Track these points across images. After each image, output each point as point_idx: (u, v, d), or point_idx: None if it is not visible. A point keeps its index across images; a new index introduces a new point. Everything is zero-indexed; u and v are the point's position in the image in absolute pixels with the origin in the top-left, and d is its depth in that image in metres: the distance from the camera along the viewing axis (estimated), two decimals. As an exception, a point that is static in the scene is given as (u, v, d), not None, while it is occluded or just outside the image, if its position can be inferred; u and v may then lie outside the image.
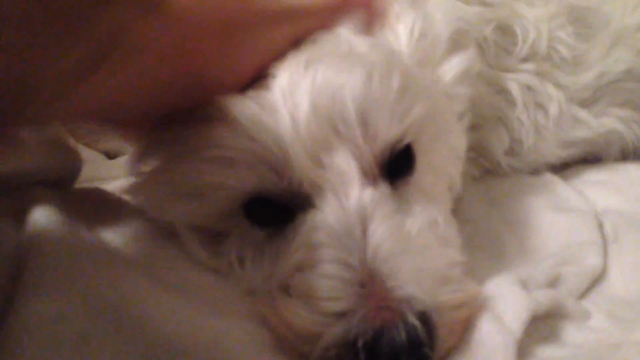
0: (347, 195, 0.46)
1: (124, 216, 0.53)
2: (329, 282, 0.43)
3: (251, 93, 0.47)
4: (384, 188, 0.48)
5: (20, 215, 0.46)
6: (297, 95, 0.45)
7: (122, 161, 0.79)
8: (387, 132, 0.47)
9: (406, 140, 0.49)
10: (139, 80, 0.40)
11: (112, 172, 0.78)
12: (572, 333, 0.51)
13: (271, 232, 0.49)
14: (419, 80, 0.50)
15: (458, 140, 0.59)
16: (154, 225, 0.53)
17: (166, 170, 0.51)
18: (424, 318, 0.42)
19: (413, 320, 0.41)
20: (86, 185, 0.60)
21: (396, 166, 0.50)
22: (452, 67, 0.57)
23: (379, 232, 0.45)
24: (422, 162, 0.52)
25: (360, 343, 0.41)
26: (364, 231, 0.45)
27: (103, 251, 0.47)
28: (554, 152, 0.80)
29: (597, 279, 0.61)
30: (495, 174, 0.77)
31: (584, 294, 0.59)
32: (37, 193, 0.48)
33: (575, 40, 0.76)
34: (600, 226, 0.69)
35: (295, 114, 0.45)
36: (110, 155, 0.91)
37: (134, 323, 0.41)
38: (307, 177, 0.46)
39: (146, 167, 0.54)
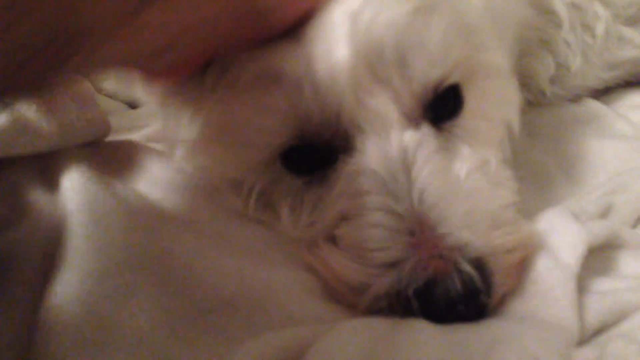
0: (388, 138, 0.44)
1: (158, 168, 0.52)
2: (376, 231, 0.42)
3: (295, 32, 0.43)
4: (426, 129, 0.46)
5: (52, 179, 0.45)
6: (336, 34, 0.42)
7: (146, 111, 0.78)
8: (428, 73, 0.44)
9: (451, 80, 0.46)
10: (189, 14, 0.37)
11: (135, 122, 0.76)
12: (630, 263, 0.49)
13: (309, 180, 0.48)
14: (468, 13, 0.47)
15: (510, 87, 0.55)
16: (189, 177, 0.51)
17: (206, 117, 0.49)
18: (479, 264, 0.40)
19: (467, 268, 0.40)
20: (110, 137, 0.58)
21: (442, 108, 0.47)
22: None
23: (424, 175, 0.43)
24: (472, 104, 0.49)
25: (411, 292, 0.39)
26: (408, 175, 0.43)
27: (141, 205, 0.45)
28: (599, 75, 0.76)
29: (651, 206, 0.58)
30: (536, 105, 0.73)
31: (638, 221, 0.56)
32: (67, 153, 0.47)
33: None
34: (649, 151, 0.66)
35: (334, 55, 0.42)
36: (133, 105, 0.90)
37: (179, 276, 0.41)
38: (348, 114, 0.43)
39: (180, 117, 0.52)
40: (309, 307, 0.42)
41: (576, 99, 0.77)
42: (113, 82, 0.79)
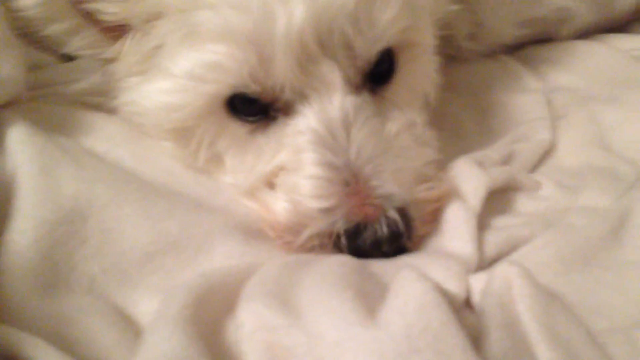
0: (331, 101, 0.49)
1: (102, 122, 0.55)
2: (315, 182, 0.48)
3: None
4: (366, 95, 0.52)
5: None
6: (295, 4, 0.46)
7: (81, 64, 0.79)
8: (371, 49, 0.50)
9: (388, 45, 0.52)
10: None
11: (69, 75, 0.77)
12: (525, 203, 0.57)
13: (253, 129, 0.53)
14: None
15: (433, 63, 0.61)
16: (133, 130, 0.55)
17: (153, 57, 0.53)
18: (403, 212, 0.47)
19: (393, 214, 0.47)
20: (47, 89, 0.60)
21: (378, 72, 0.53)
22: None
23: (361, 135, 0.49)
24: (402, 73, 0.55)
25: (342, 232, 0.45)
26: (348, 135, 0.49)
27: (86, 158, 0.49)
28: (511, 32, 0.83)
29: (547, 153, 0.66)
30: (455, 60, 0.79)
31: (535, 167, 0.64)
32: (8, 112, 0.49)
33: None
34: (549, 103, 0.74)
35: (290, 18, 0.46)
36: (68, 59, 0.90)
37: (123, 227, 0.45)
38: (291, 83, 0.49)
39: (126, 64, 0.55)
40: (246, 247, 0.47)
41: (492, 54, 0.84)
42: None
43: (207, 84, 0.50)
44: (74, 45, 0.59)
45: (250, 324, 0.37)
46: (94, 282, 0.43)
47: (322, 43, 0.48)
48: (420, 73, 0.59)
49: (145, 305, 0.43)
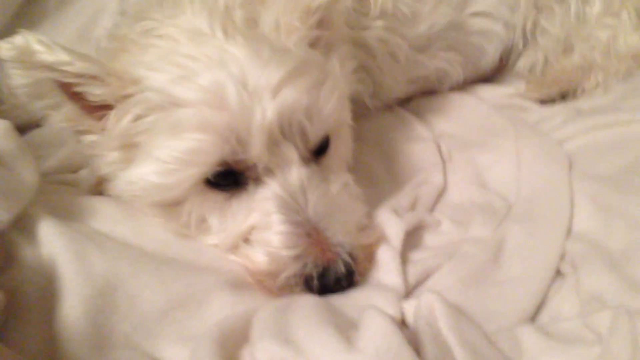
0: (290, 173, 0.66)
1: (101, 206, 0.67)
2: (284, 236, 0.64)
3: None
4: (313, 166, 0.69)
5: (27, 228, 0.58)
6: (267, 102, 0.62)
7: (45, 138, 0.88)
8: (318, 133, 0.68)
9: (329, 129, 0.70)
10: None
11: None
12: (431, 238, 0.76)
13: (228, 196, 0.67)
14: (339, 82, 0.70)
15: (350, 136, 0.79)
16: (127, 208, 0.68)
17: (135, 136, 0.65)
18: (352, 256, 0.64)
19: (347, 257, 0.64)
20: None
21: (319, 148, 0.70)
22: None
23: (315, 197, 0.66)
24: (333, 145, 0.73)
25: (314, 274, 0.62)
26: (305, 197, 0.66)
27: (100, 239, 0.62)
28: (403, 89, 1.04)
29: (441, 193, 0.86)
30: (363, 116, 0.97)
31: (434, 205, 0.84)
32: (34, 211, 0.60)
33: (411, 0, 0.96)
34: (439, 148, 0.94)
35: (264, 114, 0.62)
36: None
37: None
38: (260, 160, 0.64)
39: (106, 138, 0.67)
40: (235, 297, 0.62)
41: (390, 107, 1.04)
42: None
43: (193, 167, 0.64)
44: (55, 118, 0.67)
45: (264, 358, 0.52)
46: (128, 338, 0.56)
47: (284, 131, 0.65)
48: (345, 144, 0.77)
49: (169, 352, 0.57)
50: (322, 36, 0.72)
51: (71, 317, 0.54)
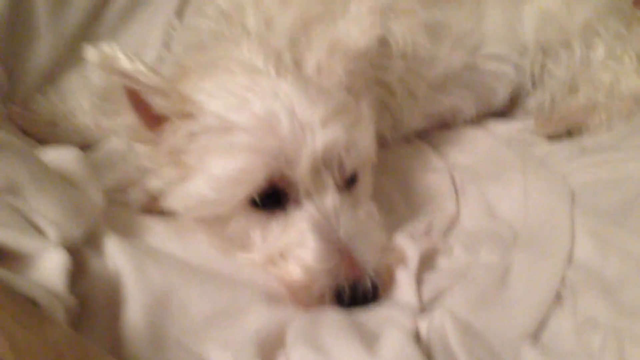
0: (326, 198, 0.75)
1: (148, 222, 0.77)
2: (317, 251, 0.73)
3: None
4: (345, 194, 0.78)
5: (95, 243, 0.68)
6: (316, 133, 0.72)
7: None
8: (352, 167, 0.78)
9: (361, 163, 0.80)
10: None
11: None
12: (443, 262, 0.84)
13: (269, 216, 0.76)
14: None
15: (371, 169, 0.88)
16: (172, 226, 0.77)
17: (186, 153, 0.74)
18: (377, 273, 0.73)
19: (372, 275, 0.72)
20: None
21: (350, 179, 0.79)
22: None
23: (345, 220, 0.75)
24: (361, 177, 0.82)
25: (346, 287, 0.71)
26: (337, 220, 0.75)
27: (155, 254, 0.71)
28: (420, 123, 1.13)
29: (454, 220, 0.94)
30: (383, 147, 1.07)
31: (447, 232, 0.92)
32: (101, 229, 0.70)
33: (430, 43, 1.06)
34: (452, 178, 1.03)
35: (313, 143, 0.72)
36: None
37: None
38: (304, 182, 0.74)
39: (160, 152, 0.76)
40: (271, 309, 0.71)
41: (408, 139, 1.13)
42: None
43: (244, 184, 0.73)
44: (116, 123, 0.77)
45: (298, 360, 0.61)
46: (179, 341, 0.65)
47: (325, 161, 0.74)
48: (369, 177, 0.86)
49: (215, 354, 0.65)
50: (355, 82, 0.81)
51: (133, 321, 0.63)
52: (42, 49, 1.11)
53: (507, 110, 1.24)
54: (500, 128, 1.18)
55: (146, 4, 1.24)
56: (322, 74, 0.79)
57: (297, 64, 0.80)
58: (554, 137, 1.13)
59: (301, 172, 0.72)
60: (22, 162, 0.63)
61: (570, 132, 1.13)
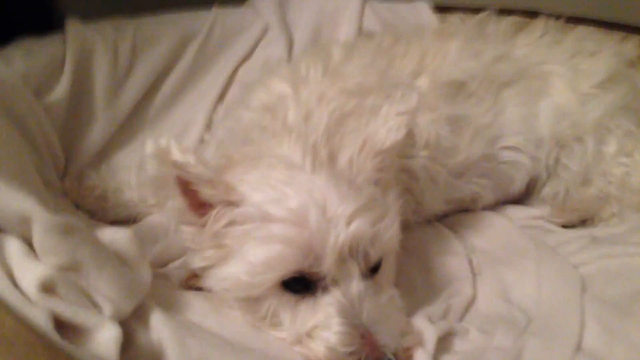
0: (351, 285, 0.82)
1: (187, 298, 0.84)
2: (342, 335, 0.79)
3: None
4: (369, 281, 0.85)
5: (142, 318, 0.75)
6: (341, 228, 0.79)
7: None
8: (376, 256, 0.84)
9: (384, 254, 0.87)
10: None
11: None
12: (459, 344, 0.90)
13: (299, 299, 0.83)
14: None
15: (395, 258, 0.95)
16: (210, 302, 0.84)
17: (226, 237, 0.82)
18: (396, 356, 0.79)
19: (391, 358, 0.78)
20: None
21: (374, 267, 0.86)
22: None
23: (369, 306, 0.81)
24: (384, 265, 0.89)
25: None
26: (361, 306, 0.81)
27: (194, 328, 0.78)
28: (441, 208, 1.20)
29: (471, 303, 1.00)
30: (406, 229, 1.13)
31: (463, 315, 0.98)
32: (147, 303, 0.77)
33: (451, 135, 1.14)
34: (470, 262, 1.09)
35: (337, 238, 0.79)
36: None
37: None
38: (330, 273, 0.81)
39: (205, 234, 0.84)
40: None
41: (429, 222, 1.20)
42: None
43: (276, 271, 0.80)
44: (168, 207, 0.85)
45: None
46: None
47: (351, 252, 0.81)
48: (392, 264, 0.93)
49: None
50: (382, 177, 0.90)
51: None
52: (98, 130, 1.23)
53: (524, 197, 1.31)
54: (518, 214, 1.25)
55: (191, 89, 1.37)
56: (353, 168, 0.87)
57: (332, 158, 0.88)
58: (568, 225, 1.19)
59: (327, 264, 0.80)
60: (85, 244, 0.71)
61: (584, 221, 1.19)
